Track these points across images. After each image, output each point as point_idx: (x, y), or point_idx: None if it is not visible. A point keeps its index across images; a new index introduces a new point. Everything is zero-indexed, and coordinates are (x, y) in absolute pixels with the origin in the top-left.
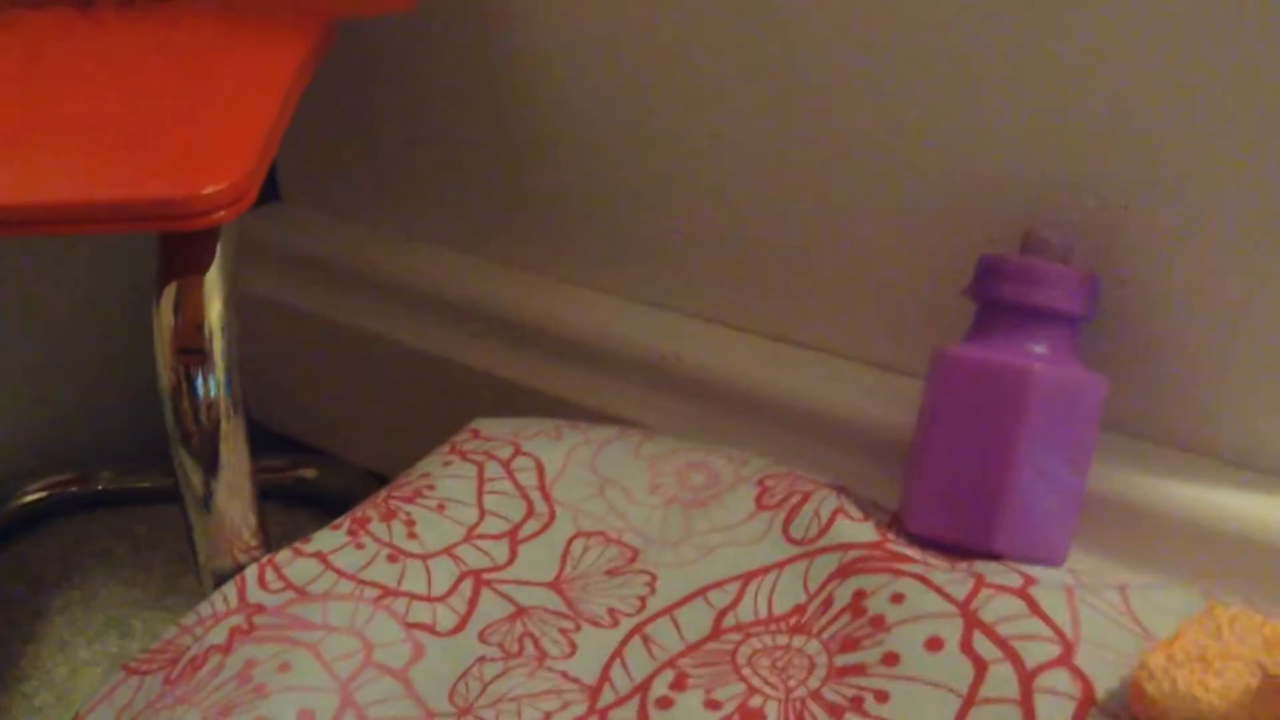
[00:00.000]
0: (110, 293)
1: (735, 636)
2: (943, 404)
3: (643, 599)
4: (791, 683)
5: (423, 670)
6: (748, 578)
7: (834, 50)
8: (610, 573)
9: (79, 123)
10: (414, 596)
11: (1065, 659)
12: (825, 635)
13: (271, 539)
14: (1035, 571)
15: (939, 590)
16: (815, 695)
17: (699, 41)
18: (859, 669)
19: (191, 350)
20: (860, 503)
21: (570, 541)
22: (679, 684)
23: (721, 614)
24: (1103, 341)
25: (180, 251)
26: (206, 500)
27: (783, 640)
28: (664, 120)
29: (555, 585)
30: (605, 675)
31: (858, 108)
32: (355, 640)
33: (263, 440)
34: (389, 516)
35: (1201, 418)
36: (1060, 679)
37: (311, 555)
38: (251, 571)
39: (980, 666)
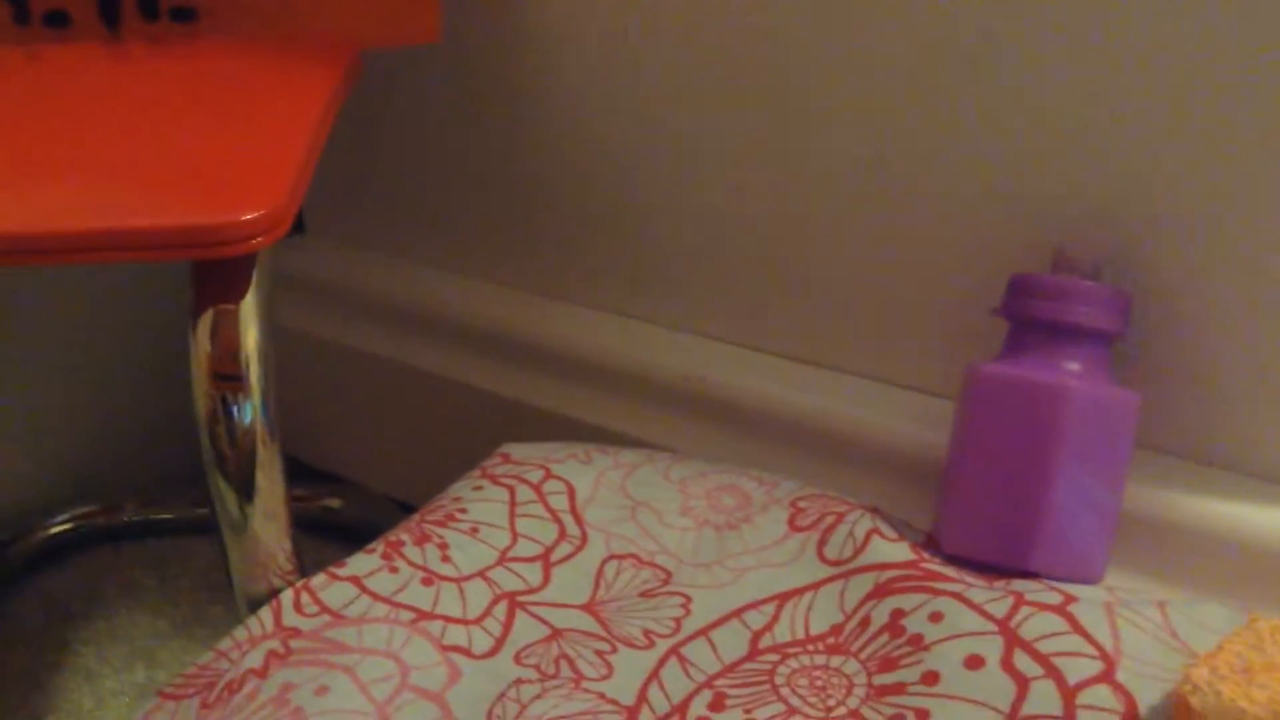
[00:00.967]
0: (132, 327)
1: (773, 657)
2: (977, 423)
3: (678, 620)
4: (831, 702)
5: (459, 693)
6: (783, 599)
7: (861, 72)
8: (644, 595)
9: (112, 152)
10: (449, 619)
11: (1107, 675)
12: (864, 655)
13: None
14: (1074, 589)
15: (978, 609)
16: (855, 715)
17: (721, 67)
18: (899, 688)
19: (228, 377)
20: (894, 523)
21: (603, 564)
22: (717, 704)
23: (758, 634)
24: (1135, 359)
25: (216, 279)
26: (242, 526)
27: (820, 660)
28: (688, 145)
29: (589, 607)
30: (643, 696)
31: (887, 130)
32: (391, 663)
33: (286, 469)
34: (423, 540)
35: (1235, 434)
36: (1102, 695)
37: (346, 579)
38: (287, 596)
39: (1022, 684)
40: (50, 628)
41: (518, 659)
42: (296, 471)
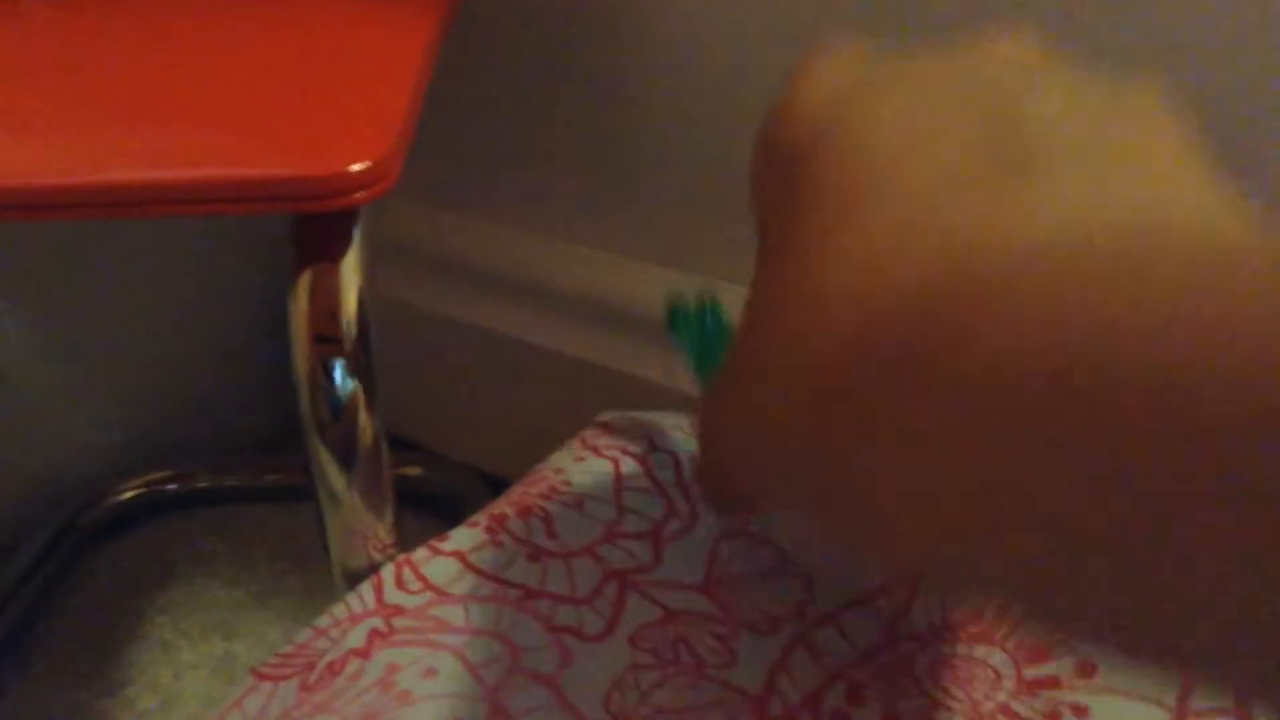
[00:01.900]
0: (205, 297)
1: (910, 646)
2: None
3: (801, 604)
4: (977, 695)
5: (573, 677)
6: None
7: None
8: (763, 575)
9: (207, 101)
10: (558, 598)
11: None
12: (1009, 645)
13: None
14: None
15: None
16: (1005, 709)
17: (831, 24)
18: (1053, 681)
19: (328, 339)
20: None
21: (717, 543)
22: (855, 696)
23: (892, 622)
24: None
25: (317, 235)
26: (341, 496)
27: (963, 650)
28: None
29: (705, 588)
30: (771, 685)
31: None
32: (500, 644)
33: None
34: (526, 513)
35: None
36: None
37: (450, 554)
38: (388, 571)
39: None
40: (124, 597)
41: (632, 642)
42: None
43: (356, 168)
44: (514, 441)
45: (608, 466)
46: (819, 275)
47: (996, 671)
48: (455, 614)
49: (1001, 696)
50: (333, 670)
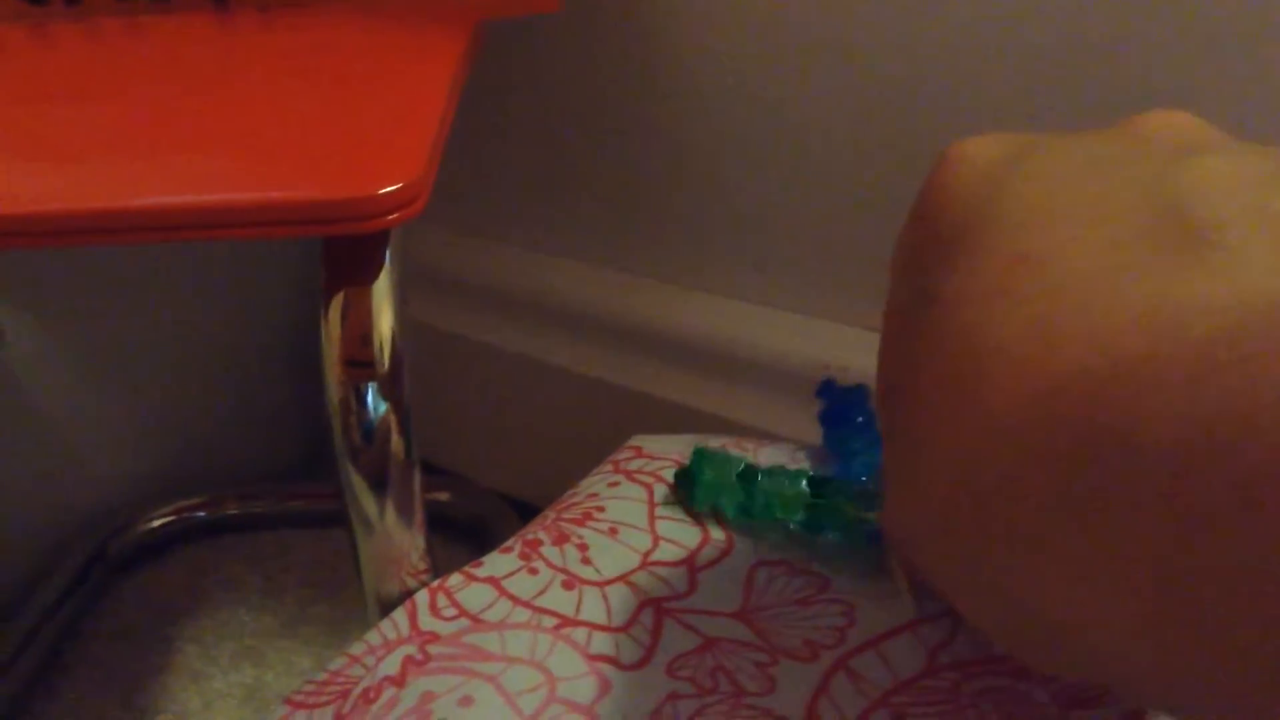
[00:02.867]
0: (232, 324)
1: (953, 674)
2: None
3: (841, 630)
4: None
5: (611, 706)
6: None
7: (1009, 78)
8: (801, 602)
9: (234, 123)
10: (594, 626)
11: None
12: (1053, 685)
13: None
14: None
15: None
16: None
17: (849, 48)
18: None
19: (360, 363)
20: None
21: (753, 570)
22: None
23: (935, 649)
24: None
25: (348, 258)
26: (374, 521)
27: (1006, 682)
28: (818, 131)
29: (743, 615)
30: (812, 712)
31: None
32: (537, 673)
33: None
34: (561, 540)
35: None
36: None
37: (485, 580)
38: (422, 597)
39: None
40: (154, 625)
41: (670, 671)
42: None
43: (389, 189)
44: (540, 466)
45: (642, 493)
46: (990, 345)
47: (1042, 709)
48: (491, 641)
49: None
50: (367, 698)
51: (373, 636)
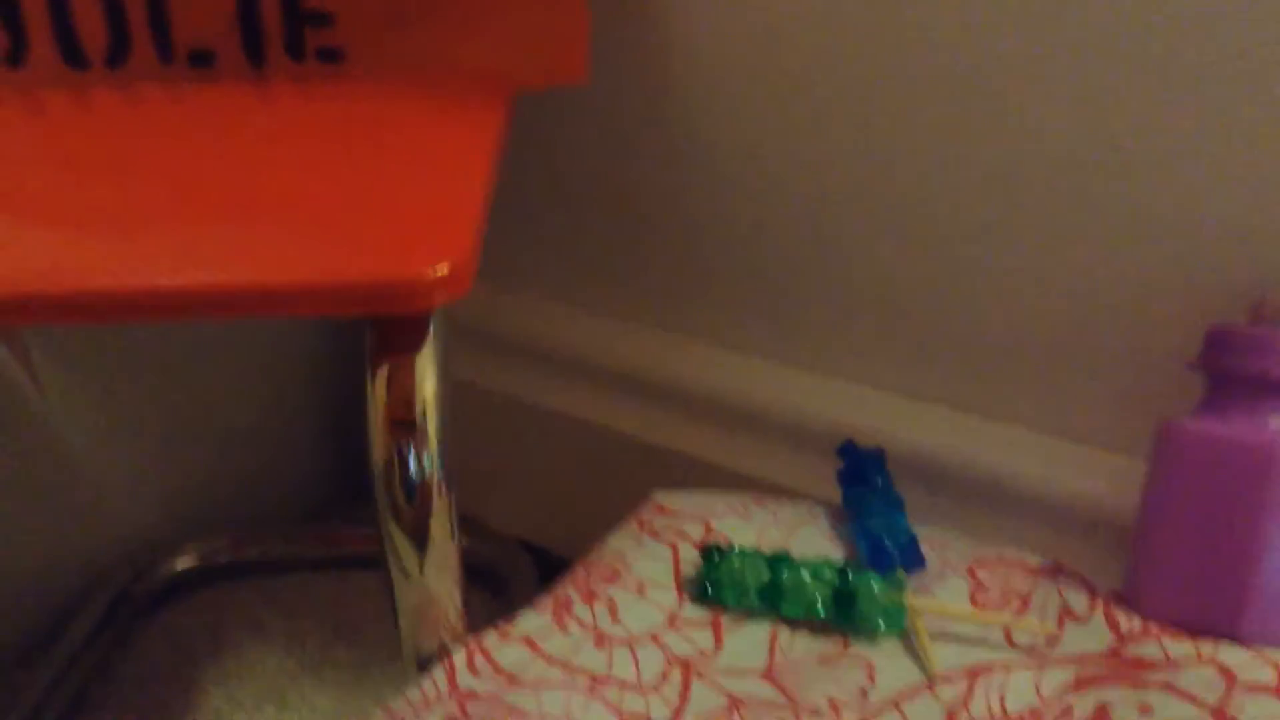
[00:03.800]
0: (255, 366)
1: None
2: (1177, 483)
3: (863, 689)
4: None
5: None
6: (974, 674)
7: (1046, 114)
8: (823, 661)
9: (279, 199)
10: (624, 685)
11: None
12: None
13: None
14: None
15: (1188, 696)
16: None
17: (884, 114)
18: None
19: (404, 424)
20: (1083, 589)
21: (776, 628)
22: None
23: (953, 711)
24: None
25: (395, 331)
26: (414, 577)
27: None
28: (841, 196)
29: (768, 675)
30: None
31: (1079, 183)
32: None
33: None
34: (591, 598)
35: None
36: None
37: (519, 640)
38: (460, 656)
39: None
40: (178, 666)
41: None
42: None
43: (437, 272)
44: (559, 514)
45: (667, 552)
46: None
47: None
48: (528, 701)
49: None
50: None
51: (413, 694)
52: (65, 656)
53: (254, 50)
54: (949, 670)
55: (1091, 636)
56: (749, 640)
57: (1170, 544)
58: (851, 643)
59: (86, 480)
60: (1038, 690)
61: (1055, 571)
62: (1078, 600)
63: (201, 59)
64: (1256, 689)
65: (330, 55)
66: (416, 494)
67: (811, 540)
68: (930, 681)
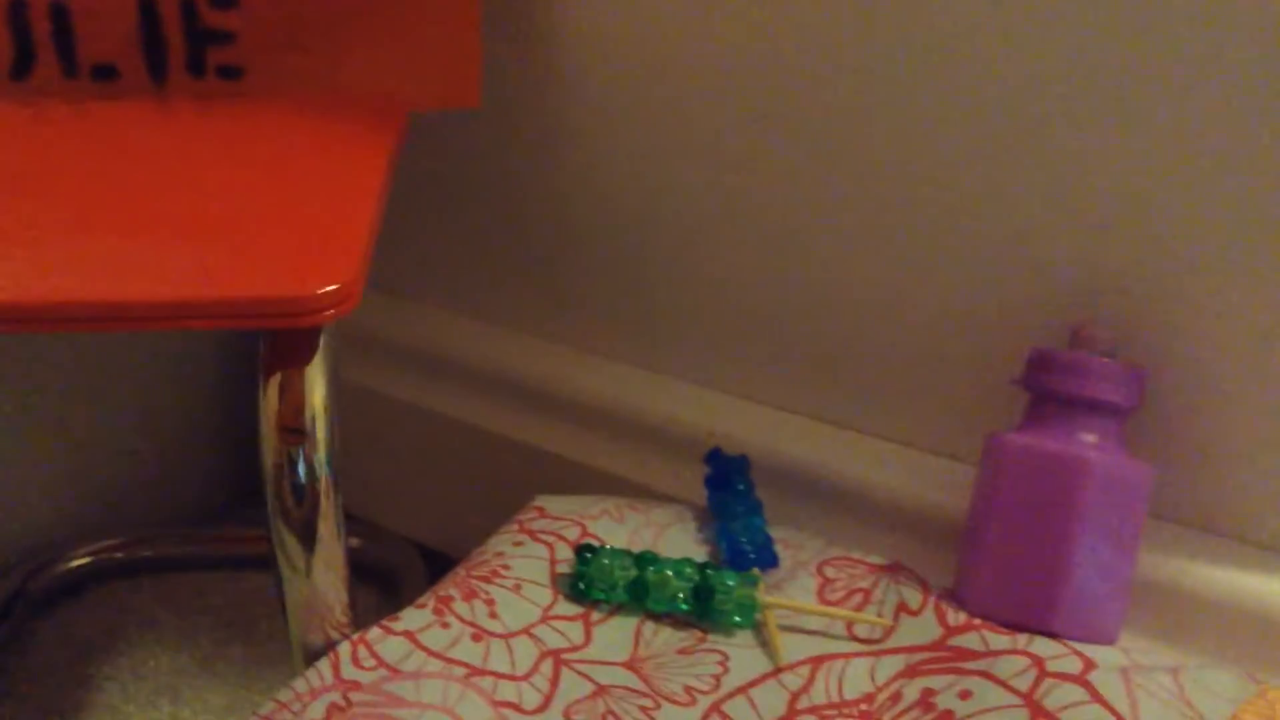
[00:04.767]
0: (152, 367)
1: (810, 718)
2: (1000, 490)
3: (717, 678)
4: None
5: None
6: (816, 662)
7: (891, 145)
8: (682, 652)
9: (175, 216)
10: (499, 675)
11: None
12: None
13: None
14: (1093, 653)
15: (1004, 684)
16: None
17: (749, 135)
18: None
19: (294, 431)
20: (917, 585)
21: (641, 623)
22: None
23: (795, 696)
24: (1147, 431)
25: (286, 344)
26: (302, 575)
27: None
28: (712, 210)
29: (631, 664)
30: None
31: (912, 204)
32: (448, 718)
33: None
34: (470, 596)
35: (1243, 505)
36: None
37: (401, 634)
38: (344, 649)
39: None
40: (73, 663)
41: (567, 715)
42: None
43: (325, 290)
44: (448, 515)
45: (544, 551)
46: None
47: None
48: (407, 690)
49: None
50: None
51: (299, 684)
52: None
53: (156, 66)
54: (795, 660)
55: (922, 629)
56: (616, 633)
57: (994, 546)
58: (709, 635)
59: None
60: (872, 677)
61: (894, 570)
62: (912, 596)
63: (105, 73)
64: (1064, 678)
65: (230, 73)
66: (305, 496)
67: (678, 541)
68: (777, 670)
